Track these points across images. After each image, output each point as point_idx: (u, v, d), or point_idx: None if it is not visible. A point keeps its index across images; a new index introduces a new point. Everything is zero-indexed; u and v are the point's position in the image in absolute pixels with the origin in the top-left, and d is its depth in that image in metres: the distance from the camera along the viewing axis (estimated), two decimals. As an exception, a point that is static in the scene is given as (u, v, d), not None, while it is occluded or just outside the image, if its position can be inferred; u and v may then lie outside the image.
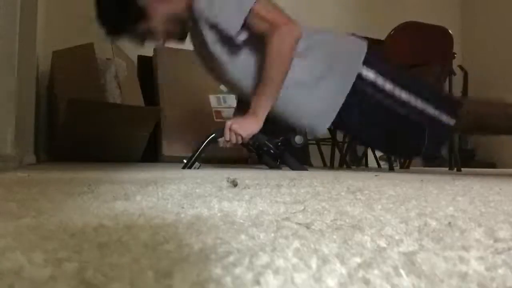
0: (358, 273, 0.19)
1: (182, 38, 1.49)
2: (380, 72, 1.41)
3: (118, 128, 2.12)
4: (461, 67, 2.97)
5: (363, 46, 1.45)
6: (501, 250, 0.24)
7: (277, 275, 0.19)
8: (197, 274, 0.18)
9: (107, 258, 0.21)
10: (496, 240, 0.27)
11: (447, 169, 2.47)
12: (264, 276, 0.18)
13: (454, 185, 0.76)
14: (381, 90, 1.40)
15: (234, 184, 0.63)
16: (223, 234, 0.27)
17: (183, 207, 0.39)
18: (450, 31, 2.24)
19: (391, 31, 2.27)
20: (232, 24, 1.30)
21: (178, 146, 2.51)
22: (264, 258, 0.21)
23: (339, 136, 2.72)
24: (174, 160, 2.48)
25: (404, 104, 1.41)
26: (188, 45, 3.04)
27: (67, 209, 0.37)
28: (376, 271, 0.20)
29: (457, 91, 2.58)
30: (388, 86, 1.40)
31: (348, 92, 1.40)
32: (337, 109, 1.42)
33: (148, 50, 2.85)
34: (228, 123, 1.34)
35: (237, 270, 0.19)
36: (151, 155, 2.49)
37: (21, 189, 0.57)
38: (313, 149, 2.95)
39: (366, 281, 0.19)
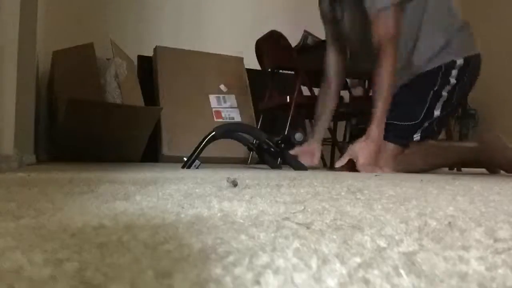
0: (358, 273, 0.20)
1: None
2: (461, 78, 1.53)
3: (118, 128, 2.12)
4: (461, 67, 2.97)
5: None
6: (501, 250, 0.24)
7: (277, 275, 0.19)
8: (197, 274, 0.18)
9: (107, 258, 0.21)
10: (496, 240, 0.27)
11: (447, 169, 2.47)
12: (264, 276, 0.18)
13: (454, 185, 0.76)
14: (442, 85, 1.52)
15: (234, 184, 0.63)
16: (223, 234, 0.27)
17: (183, 207, 0.39)
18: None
19: (391, 31, 2.26)
20: None
21: (178, 146, 2.51)
22: (264, 258, 0.21)
23: (339, 136, 2.72)
24: (174, 160, 2.48)
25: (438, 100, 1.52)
26: (188, 45, 3.03)
27: (67, 209, 0.37)
28: (376, 271, 0.20)
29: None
30: (445, 92, 1.53)
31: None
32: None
33: (148, 50, 2.85)
34: (360, 162, 1.37)
35: (237, 270, 0.19)
36: (151, 155, 2.49)
37: (21, 189, 0.57)
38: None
39: (366, 281, 0.19)
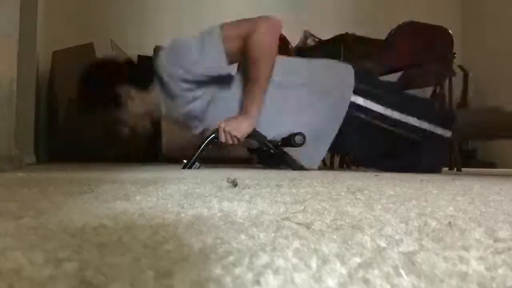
0: (358, 273, 0.19)
1: None
2: (369, 97, 1.43)
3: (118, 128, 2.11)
4: (461, 67, 2.97)
5: (351, 75, 1.46)
6: (501, 250, 0.24)
7: (277, 275, 0.19)
8: (197, 274, 0.18)
9: (107, 258, 0.21)
10: (496, 240, 0.27)
11: (447, 169, 2.47)
12: (264, 276, 0.18)
13: (454, 185, 0.76)
14: (373, 113, 1.43)
15: (234, 184, 0.63)
16: (223, 234, 0.27)
17: (183, 207, 0.39)
18: (450, 31, 2.24)
19: (391, 31, 2.27)
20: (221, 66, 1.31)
21: (178, 146, 2.51)
22: (264, 258, 0.21)
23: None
24: (174, 160, 2.48)
25: (397, 123, 1.44)
26: (188, 45, 3.00)
27: (67, 209, 0.37)
28: (376, 271, 0.20)
29: (457, 91, 2.58)
30: (379, 108, 1.43)
31: (341, 120, 1.42)
32: (332, 137, 1.44)
33: (148, 50, 2.85)
34: (221, 125, 1.33)
35: (237, 270, 0.19)
36: (151, 155, 2.49)
37: (21, 189, 0.57)
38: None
39: (366, 281, 0.19)
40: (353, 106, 1.42)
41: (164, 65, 1.35)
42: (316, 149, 1.46)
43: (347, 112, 1.42)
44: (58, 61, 2.30)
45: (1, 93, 1.21)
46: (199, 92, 1.38)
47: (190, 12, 3.15)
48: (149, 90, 1.41)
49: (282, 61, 1.41)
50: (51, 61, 2.36)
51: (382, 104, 1.43)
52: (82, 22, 2.77)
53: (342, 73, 1.49)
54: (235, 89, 1.40)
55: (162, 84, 1.38)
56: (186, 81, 1.34)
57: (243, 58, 1.34)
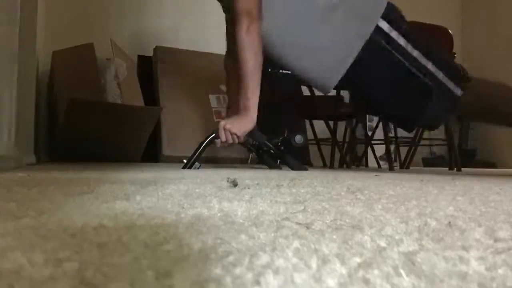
0: (358, 273, 0.19)
1: None
2: (395, 26, 1.40)
3: (118, 128, 2.12)
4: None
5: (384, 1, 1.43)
6: (501, 250, 0.24)
7: (277, 275, 0.19)
8: (197, 274, 0.18)
9: (107, 258, 0.21)
10: (496, 240, 0.27)
11: (447, 169, 2.47)
12: (264, 276, 0.18)
13: (454, 185, 0.76)
14: (395, 44, 1.39)
15: (234, 184, 0.63)
16: (223, 234, 0.27)
17: (183, 207, 0.39)
18: (450, 31, 2.24)
19: (391, 31, 2.26)
20: None
21: (178, 146, 2.51)
22: (264, 258, 0.21)
23: (339, 136, 2.72)
24: (174, 160, 2.48)
25: (415, 61, 1.40)
26: (188, 45, 3.03)
27: (67, 209, 0.37)
28: (376, 271, 0.20)
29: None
30: (402, 41, 1.40)
31: (365, 40, 1.38)
32: (352, 55, 1.40)
33: (148, 50, 2.85)
34: (222, 123, 1.34)
35: (237, 270, 0.19)
36: (151, 155, 2.49)
37: (21, 189, 0.57)
38: (313, 149, 2.95)
39: (366, 281, 0.19)
40: (378, 30, 1.39)
41: None
42: (332, 71, 1.43)
43: (370, 35, 1.38)
44: (58, 61, 2.30)
45: (1, 93, 1.21)
46: None
47: (190, 12, 3.14)
48: None
49: None
50: (51, 61, 2.36)
51: (405, 38, 1.40)
52: (82, 22, 2.77)
53: None
54: None
55: None
56: None
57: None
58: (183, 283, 0.17)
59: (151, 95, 2.66)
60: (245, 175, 0.96)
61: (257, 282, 0.18)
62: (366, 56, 1.40)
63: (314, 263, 0.21)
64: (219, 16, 3.13)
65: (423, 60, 1.40)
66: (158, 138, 2.54)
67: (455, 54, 2.29)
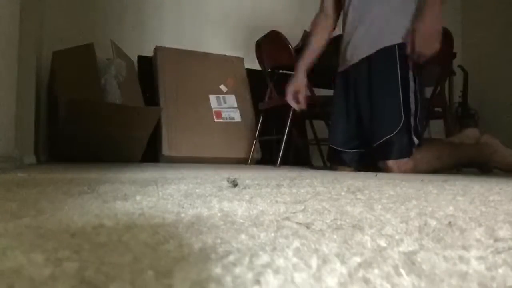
0: (358, 272, 0.19)
1: None
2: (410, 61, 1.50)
3: (118, 128, 2.11)
4: (461, 67, 2.96)
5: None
6: (501, 250, 0.24)
7: (277, 274, 0.19)
8: (197, 274, 0.18)
9: (107, 258, 0.20)
10: (496, 240, 0.27)
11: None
12: (264, 276, 0.18)
13: (454, 185, 0.76)
14: (405, 69, 1.50)
15: (234, 184, 0.63)
16: (223, 234, 0.27)
17: (183, 207, 0.39)
18: (450, 31, 2.24)
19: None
20: None
21: (178, 146, 2.51)
22: (264, 258, 0.21)
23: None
24: (174, 160, 2.48)
25: (409, 91, 1.49)
26: (188, 45, 3.03)
27: (67, 209, 0.37)
28: (376, 271, 0.20)
29: (457, 91, 2.57)
30: (411, 74, 1.50)
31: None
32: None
33: (148, 50, 2.85)
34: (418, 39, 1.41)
35: (237, 270, 0.19)
36: (151, 155, 2.49)
37: (21, 189, 0.57)
38: (313, 149, 2.95)
39: (366, 281, 0.18)
40: (404, 45, 1.48)
41: None
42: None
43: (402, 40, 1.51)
44: (58, 61, 2.30)
45: (1, 93, 1.21)
46: None
47: (190, 12, 3.14)
48: None
49: None
50: (51, 61, 2.36)
51: (413, 73, 1.50)
52: (82, 22, 2.77)
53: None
54: None
55: None
56: None
57: None
58: (183, 283, 0.17)
59: (151, 95, 2.66)
60: (245, 175, 0.96)
61: (257, 282, 0.18)
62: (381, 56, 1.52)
63: (314, 263, 0.21)
64: (219, 16, 3.11)
65: (412, 95, 1.49)
66: (158, 138, 2.54)
67: (455, 54, 2.29)
